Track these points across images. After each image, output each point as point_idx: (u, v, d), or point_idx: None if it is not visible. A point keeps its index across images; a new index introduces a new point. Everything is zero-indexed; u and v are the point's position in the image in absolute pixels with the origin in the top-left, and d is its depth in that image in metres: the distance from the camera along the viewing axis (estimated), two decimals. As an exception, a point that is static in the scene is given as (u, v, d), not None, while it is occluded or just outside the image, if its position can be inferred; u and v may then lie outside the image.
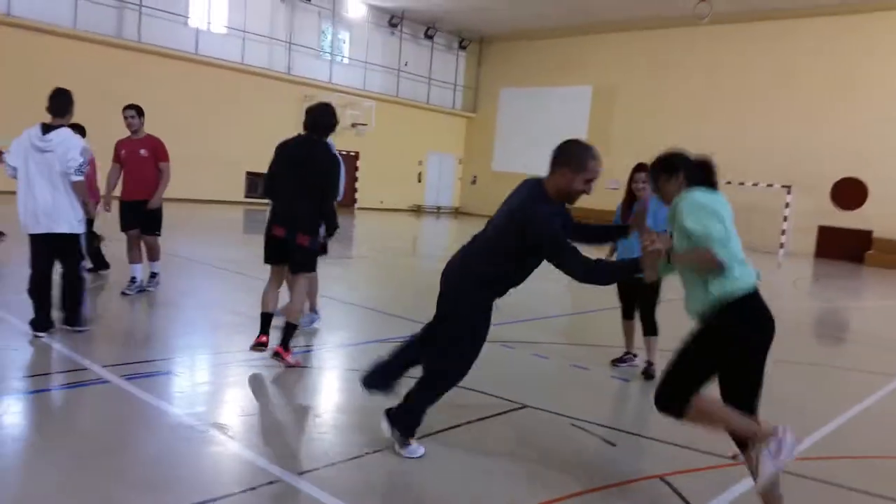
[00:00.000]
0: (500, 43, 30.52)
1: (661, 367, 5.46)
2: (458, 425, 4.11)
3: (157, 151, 6.87)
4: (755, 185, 21.29)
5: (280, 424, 4.13)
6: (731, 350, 2.85)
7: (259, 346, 5.06)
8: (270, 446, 3.70)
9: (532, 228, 3.22)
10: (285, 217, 4.94)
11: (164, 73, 20.91)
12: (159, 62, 20.89)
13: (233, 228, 17.27)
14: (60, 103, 5.18)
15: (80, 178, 5.21)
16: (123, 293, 6.96)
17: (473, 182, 31.12)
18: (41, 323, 5.28)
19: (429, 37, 29.02)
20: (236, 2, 23.23)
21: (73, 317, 5.44)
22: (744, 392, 2.91)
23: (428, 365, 3.61)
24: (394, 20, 27.60)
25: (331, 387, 5.02)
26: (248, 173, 22.79)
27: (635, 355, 5.82)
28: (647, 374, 5.52)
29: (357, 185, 26.67)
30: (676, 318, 3.87)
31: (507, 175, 27.99)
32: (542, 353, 6.23)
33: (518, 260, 3.37)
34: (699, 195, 2.88)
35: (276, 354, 4.96)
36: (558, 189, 3.31)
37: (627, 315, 5.80)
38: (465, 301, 3.45)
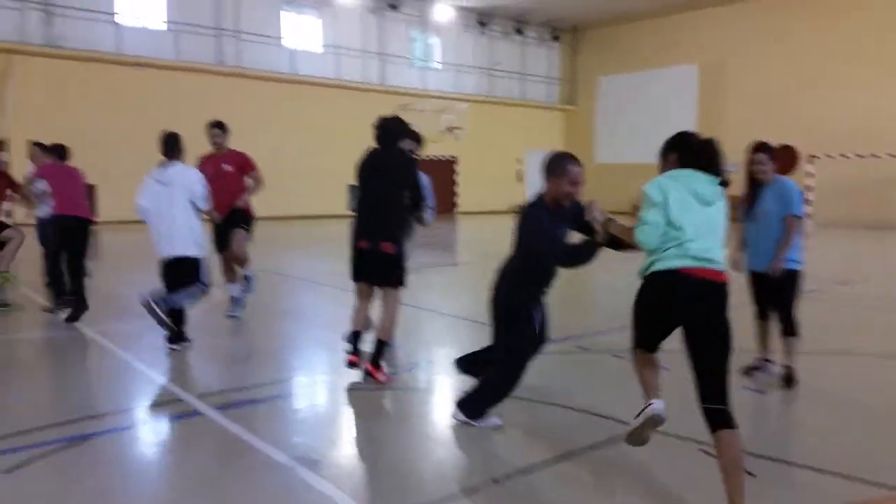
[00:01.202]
0: (594, 30, 29.46)
1: (805, 372, 4.77)
2: (588, 448, 3.64)
3: (243, 165, 6.82)
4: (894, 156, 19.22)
5: (371, 458, 3.80)
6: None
7: (351, 364, 4.88)
8: (360, 484, 3.38)
9: (525, 226, 3.84)
10: (367, 228, 4.81)
11: (263, 94, 21.57)
12: (258, 85, 21.58)
13: (336, 242, 17.41)
14: (171, 145, 5.78)
15: (208, 205, 5.87)
16: (229, 316, 6.92)
17: (576, 177, 30.16)
18: (176, 336, 5.74)
19: (519, 32, 28.45)
20: (328, 19, 23.68)
21: (176, 334, 5.72)
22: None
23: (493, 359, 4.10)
24: (483, 19, 27.24)
25: (426, 412, 4.66)
26: (351, 186, 23.05)
27: (772, 361, 5.08)
28: (788, 380, 4.79)
29: (457, 189, 26.48)
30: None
31: (612, 167, 26.93)
32: (663, 362, 5.59)
33: (533, 260, 3.90)
34: (657, 180, 3.13)
35: (367, 373, 4.79)
36: (552, 196, 3.79)
37: (762, 315, 5.08)
38: (506, 302, 3.99)
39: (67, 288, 6.84)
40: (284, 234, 17.32)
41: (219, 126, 6.81)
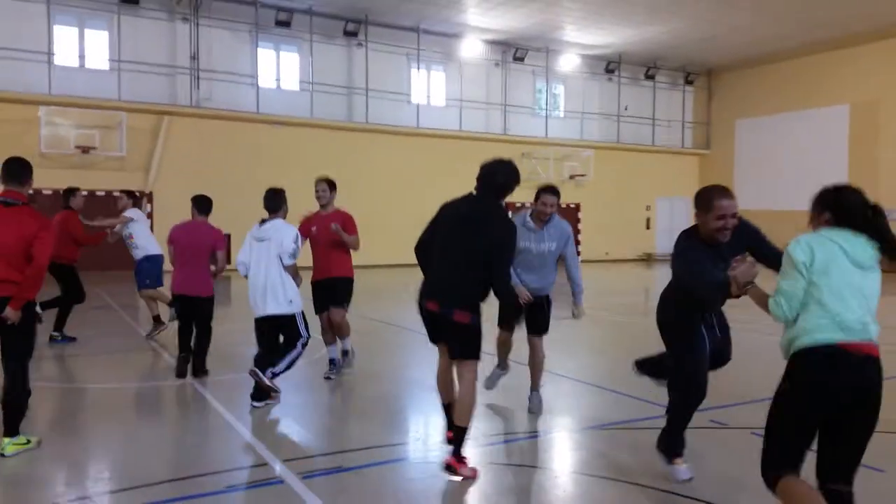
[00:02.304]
0: (731, 72, 28.03)
1: None
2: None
3: (347, 225, 6.52)
4: None
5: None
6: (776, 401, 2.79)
7: (450, 441, 4.31)
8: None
9: (673, 251, 3.77)
10: (439, 288, 4.15)
11: (389, 148, 22.17)
12: (384, 139, 22.22)
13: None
14: (273, 201, 5.84)
15: (292, 262, 5.71)
16: (326, 377, 6.70)
17: (711, 224, 28.41)
18: (259, 395, 5.66)
19: (650, 77, 27.60)
20: (453, 74, 24.12)
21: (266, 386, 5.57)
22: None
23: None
24: (610, 66, 26.71)
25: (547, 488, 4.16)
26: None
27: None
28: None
29: (579, 237, 25.74)
30: None
31: (753, 213, 24.74)
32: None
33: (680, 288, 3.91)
34: (802, 239, 2.76)
35: (448, 467, 4.09)
36: (703, 231, 3.67)
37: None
38: (661, 318, 4.09)
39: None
40: (407, 281, 17.37)
41: (326, 182, 6.56)
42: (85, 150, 18.05)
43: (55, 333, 8.28)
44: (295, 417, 5.63)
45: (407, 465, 4.52)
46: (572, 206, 25.61)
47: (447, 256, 4.11)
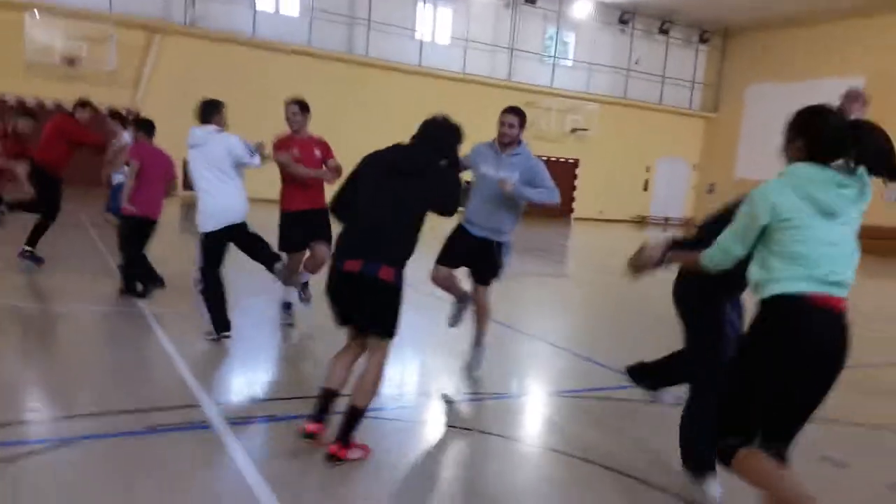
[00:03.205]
0: (747, 33, 27.11)
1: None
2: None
3: (327, 151, 5.96)
4: None
5: None
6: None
7: (307, 435, 3.48)
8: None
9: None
10: (364, 244, 3.50)
11: (388, 85, 21.49)
12: (385, 75, 21.52)
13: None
14: (204, 112, 5.46)
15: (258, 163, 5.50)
16: (289, 324, 6.16)
17: (710, 191, 27.87)
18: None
19: (664, 32, 26.68)
20: (460, 12, 23.24)
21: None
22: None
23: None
24: (625, 16, 25.77)
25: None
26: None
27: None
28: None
29: (574, 193, 25.30)
30: None
31: (754, 183, 24.57)
32: None
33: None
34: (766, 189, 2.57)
35: (330, 456, 3.41)
36: None
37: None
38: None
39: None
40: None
41: (298, 104, 5.85)
42: (71, 61, 17.38)
43: (27, 248, 7.71)
44: (242, 360, 5.36)
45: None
46: (571, 160, 25.07)
47: (376, 210, 3.53)
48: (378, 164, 3.64)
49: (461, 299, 5.13)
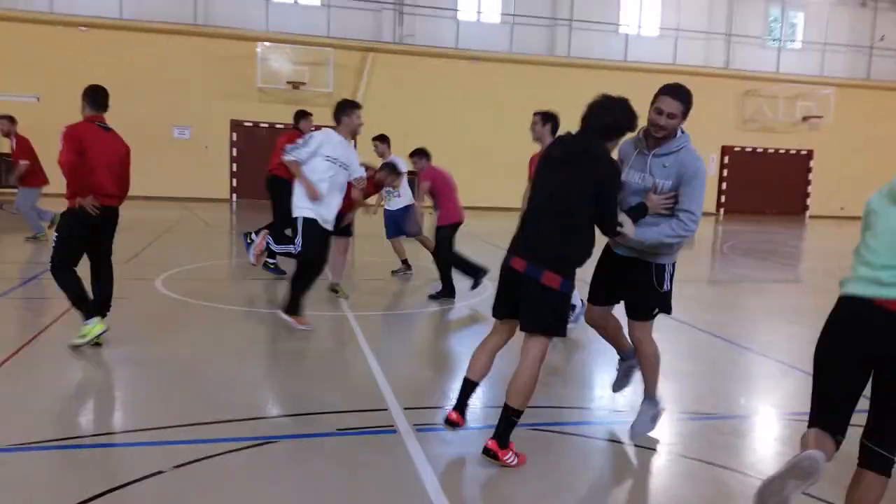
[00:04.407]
0: None
1: None
2: None
3: None
4: None
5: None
6: None
7: (449, 423, 3.46)
8: None
9: None
10: (529, 244, 3.29)
11: (591, 84, 20.68)
12: (586, 74, 20.84)
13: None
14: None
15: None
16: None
17: None
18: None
19: (916, 0, 22.92)
20: (669, 2, 21.90)
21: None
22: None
23: None
24: (867, -12, 22.55)
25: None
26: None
27: None
28: None
29: (809, 189, 22.50)
30: None
31: None
32: None
33: None
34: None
35: (486, 450, 3.27)
36: None
37: None
38: None
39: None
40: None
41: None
42: (295, 85, 18.99)
43: (271, 262, 8.04)
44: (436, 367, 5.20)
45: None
46: (803, 152, 22.38)
47: (539, 207, 3.35)
48: (543, 157, 3.50)
49: (623, 355, 3.96)
